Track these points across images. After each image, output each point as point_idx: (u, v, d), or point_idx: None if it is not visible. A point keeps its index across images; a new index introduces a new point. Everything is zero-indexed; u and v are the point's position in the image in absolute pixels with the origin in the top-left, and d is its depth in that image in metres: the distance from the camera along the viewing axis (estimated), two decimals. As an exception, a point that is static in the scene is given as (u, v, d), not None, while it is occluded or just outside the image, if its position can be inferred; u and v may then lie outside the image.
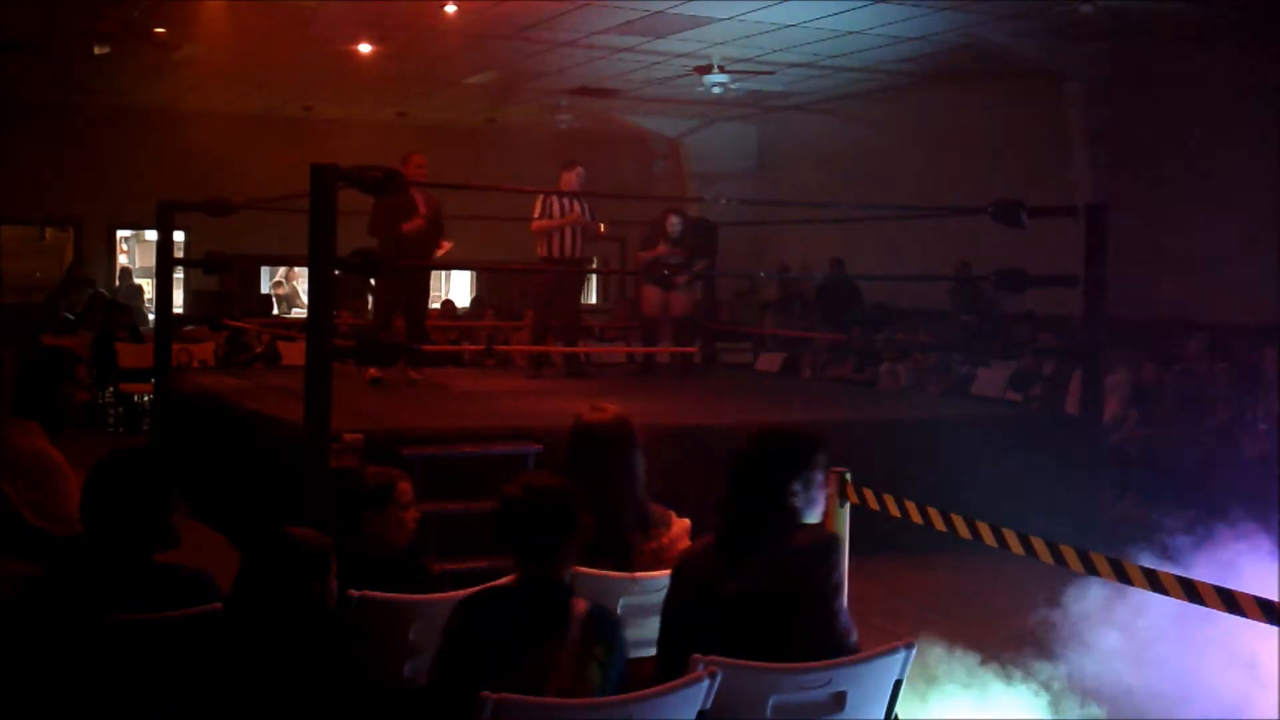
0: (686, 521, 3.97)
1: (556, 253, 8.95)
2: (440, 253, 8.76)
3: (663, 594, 3.68)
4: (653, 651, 3.68)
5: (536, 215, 8.98)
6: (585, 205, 9.05)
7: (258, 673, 2.79)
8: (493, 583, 3.06)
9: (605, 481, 3.77)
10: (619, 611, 3.50)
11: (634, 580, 3.65)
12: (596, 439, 3.87)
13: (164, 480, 3.28)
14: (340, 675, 3.22)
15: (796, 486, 3.14)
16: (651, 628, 3.68)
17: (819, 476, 3.21)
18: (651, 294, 9.69)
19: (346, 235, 6.24)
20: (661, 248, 9.48)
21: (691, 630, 3.00)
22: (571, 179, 9.04)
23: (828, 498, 3.37)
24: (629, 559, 3.73)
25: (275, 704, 2.78)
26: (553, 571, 2.95)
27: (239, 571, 2.94)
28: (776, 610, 3.01)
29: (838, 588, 3.11)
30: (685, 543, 3.91)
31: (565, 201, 8.93)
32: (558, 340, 9.33)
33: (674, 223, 9.47)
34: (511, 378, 9.37)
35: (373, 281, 13.78)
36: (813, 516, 3.24)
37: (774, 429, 3.33)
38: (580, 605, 2.91)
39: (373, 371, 8.40)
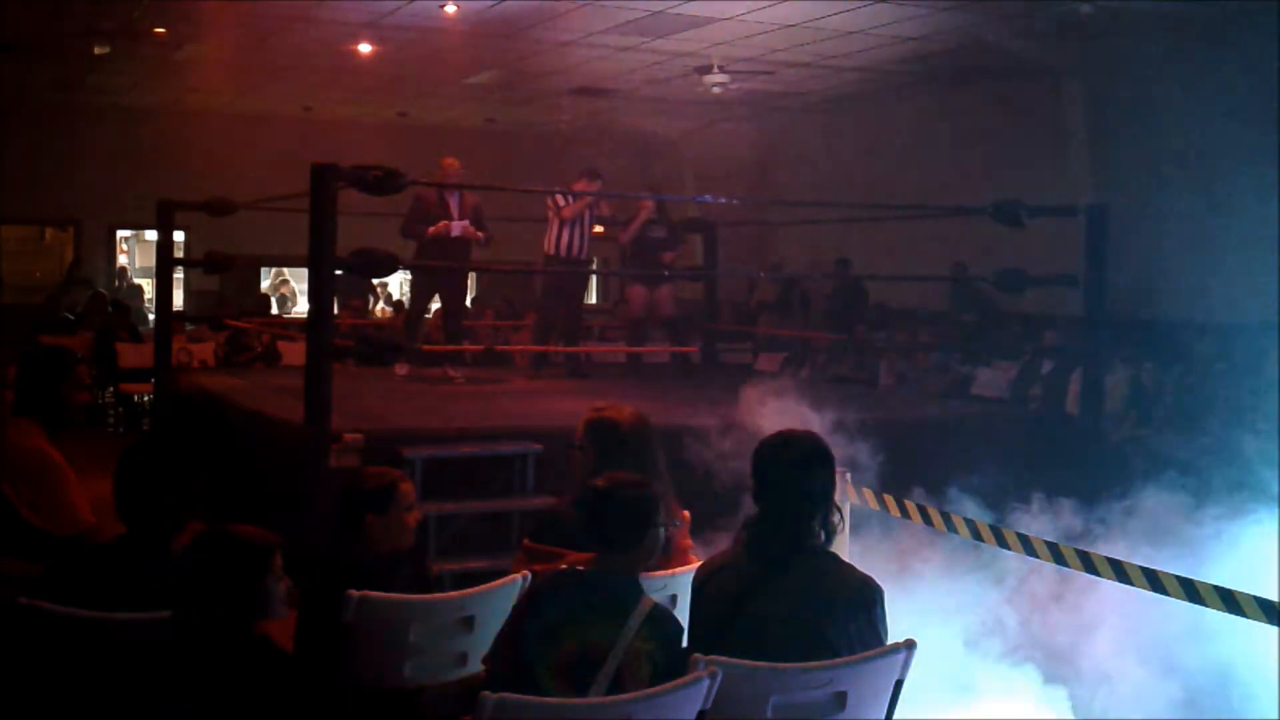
0: (686, 513, 4.00)
1: (563, 252, 8.93)
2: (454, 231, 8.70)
3: (664, 594, 3.68)
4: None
5: (562, 204, 8.94)
6: (594, 213, 9.09)
7: (205, 673, 2.77)
8: (571, 564, 3.15)
9: (647, 474, 3.78)
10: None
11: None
12: (625, 433, 3.89)
13: (196, 465, 3.33)
14: (328, 674, 3.23)
15: (836, 491, 3.12)
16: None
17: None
18: (638, 294, 9.63)
19: (346, 235, 6.24)
20: (637, 224, 9.36)
21: (721, 644, 2.95)
22: (590, 188, 9.03)
23: None
24: (664, 556, 3.74)
25: (230, 702, 2.75)
26: (626, 565, 3.06)
27: (185, 571, 2.89)
28: (813, 633, 2.96)
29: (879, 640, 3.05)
30: (686, 537, 3.93)
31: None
32: (560, 340, 9.33)
33: (650, 205, 9.38)
34: (511, 378, 9.36)
35: (376, 282, 13.79)
36: None
37: (808, 437, 3.23)
38: (647, 603, 3.00)
39: (399, 369, 8.48)
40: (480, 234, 8.66)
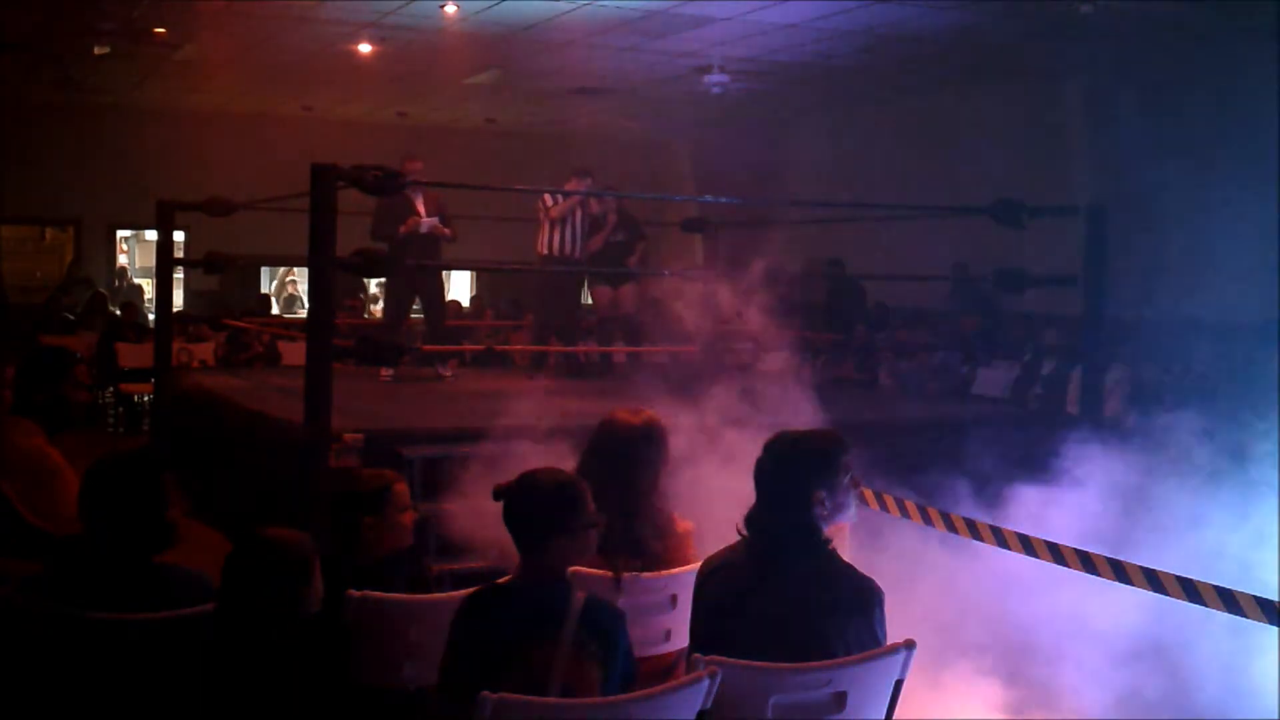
0: (690, 524, 3.97)
1: (557, 251, 8.96)
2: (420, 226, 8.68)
3: (664, 594, 3.69)
4: (653, 652, 3.69)
5: (549, 204, 8.96)
6: (585, 212, 9.09)
7: (246, 675, 2.77)
8: (495, 580, 3.06)
9: (620, 480, 3.78)
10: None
11: (636, 580, 3.66)
12: (618, 438, 3.89)
13: (158, 479, 3.27)
14: (327, 675, 3.21)
15: (823, 494, 3.07)
16: (652, 628, 3.69)
17: (845, 480, 3.13)
18: (603, 294, 9.63)
19: (346, 235, 6.24)
20: (602, 236, 9.33)
21: (719, 643, 2.94)
22: (580, 188, 9.03)
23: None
24: (636, 559, 3.74)
25: (265, 706, 2.76)
26: (549, 566, 2.92)
27: (223, 575, 2.91)
28: (811, 634, 2.95)
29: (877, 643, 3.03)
30: (689, 546, 3.91)
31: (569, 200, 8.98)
32: (558, 340, 9.33)
33: (614, 219, 9.36)
34: (511, 378, 9.36)
35: (372, 284, 13.79)
36: (845, 518, 3.20)
37: (792, 437, 3.23)
38: (578, 601, 2.88)
39: (384, 372, 8.48)
40: (447, 230, 8.73)
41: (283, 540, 2.93)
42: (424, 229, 8.60)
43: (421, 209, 8.63)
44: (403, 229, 8.51)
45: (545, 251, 9.00)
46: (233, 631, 2.84)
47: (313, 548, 2.94)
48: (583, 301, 10.42)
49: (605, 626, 2.90)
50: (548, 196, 8.99)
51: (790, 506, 3.06)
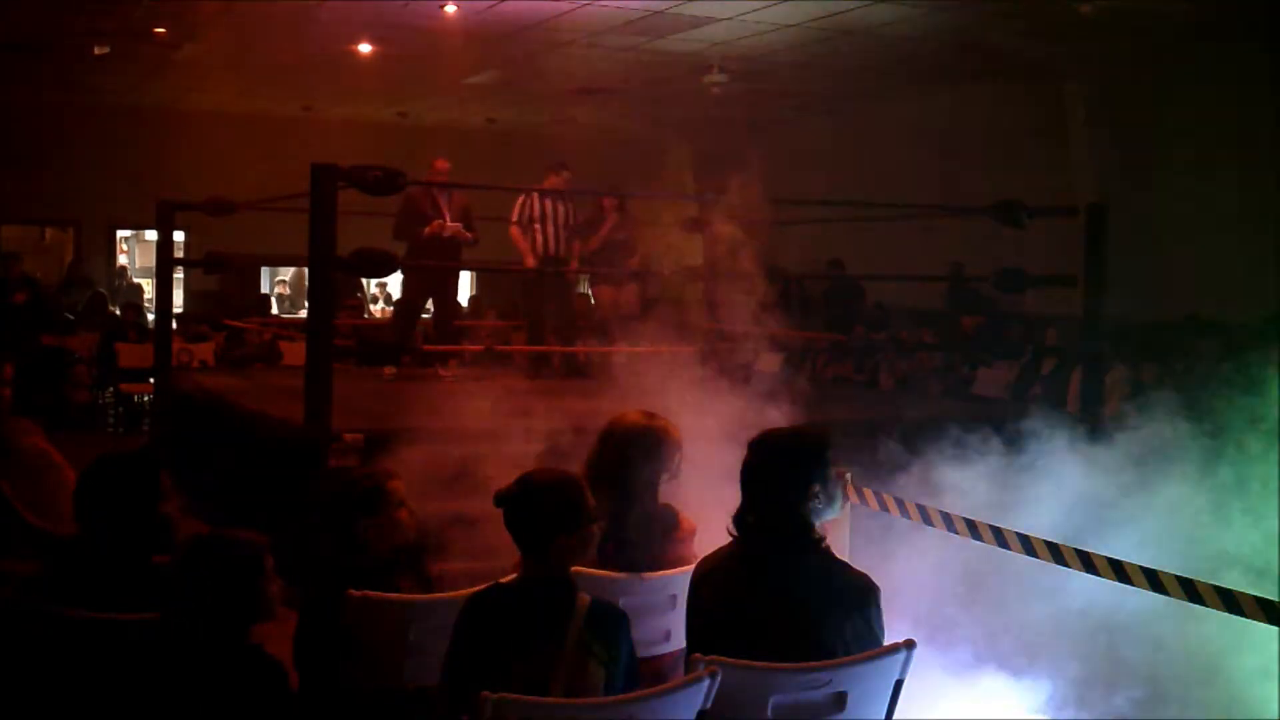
0: (693, 524, 3.97)
1: (540, 251, 8.96)
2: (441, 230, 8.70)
3: (664, 594, 3.69)
4: (653, 652, 3.69)
5: (515, 219, 8.97)
6: (568, 207, 9.06)
7: (194, 681, 2.75)
8: (498, 580, 3.07)
9: (618, 481, 3.78)
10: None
11: (636, 580, 3.65)
12: (622, 437, 3.89)
13: (155, 478, 3.27)
14: (324, 676, 3.21)
15: (816, 489, 3.08)
16: (652, 628, 3.69)
17: (833, 473, 3.15)
18: (604, 294, 9.64)
19: (346, 235, 6.24)
20: (600, 234, 9.29)
21: (717, 645, 2.93)
22: (557, 183, 9.02)
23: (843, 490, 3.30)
24: (635, 559, 3.74)
25: (218, 712, 2.74)
26: (552, 567, 2.93)
27: (171, 577, 2.86)
28: (808, 633, 2.95)
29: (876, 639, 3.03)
30: (691, 546, 3.92)
31: (547, 202, 8.91)
32: (556, 340, 9.33)
33: (612, 203, 9.35)
34: (511, 378, 9.35)
35: (370, 284, 13.79)
36: (833, 513, 3.20)
37: (782, 434, 3.25)
38: (583, 602, 2.89)
39: (388, 370, 8.53)
40: (469, 234, 8.74)
41: (233, 540, 2.88)
42: (446, 234, 8.61)
43: (446, 210, 8.65)
44: (426, 232, 8.53)
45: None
46: (176, 636, 2.79)
47: (263, 548, 2.88)
48: (589, 301, 10.43)
49: (609, 628, 2.90)
50: (516, 209, 8.96)
51: (786, 503, 3.06)
